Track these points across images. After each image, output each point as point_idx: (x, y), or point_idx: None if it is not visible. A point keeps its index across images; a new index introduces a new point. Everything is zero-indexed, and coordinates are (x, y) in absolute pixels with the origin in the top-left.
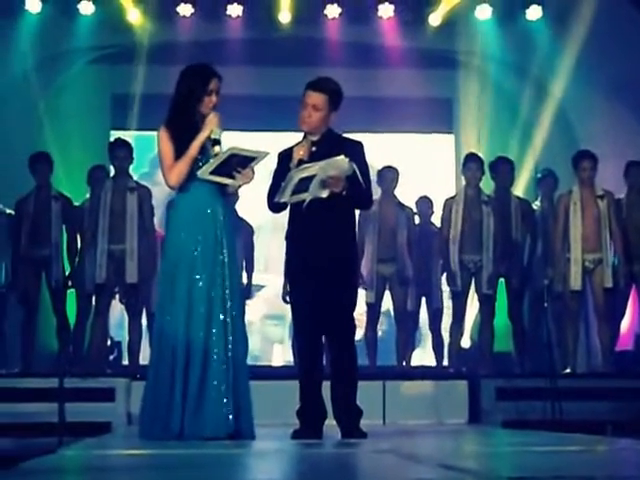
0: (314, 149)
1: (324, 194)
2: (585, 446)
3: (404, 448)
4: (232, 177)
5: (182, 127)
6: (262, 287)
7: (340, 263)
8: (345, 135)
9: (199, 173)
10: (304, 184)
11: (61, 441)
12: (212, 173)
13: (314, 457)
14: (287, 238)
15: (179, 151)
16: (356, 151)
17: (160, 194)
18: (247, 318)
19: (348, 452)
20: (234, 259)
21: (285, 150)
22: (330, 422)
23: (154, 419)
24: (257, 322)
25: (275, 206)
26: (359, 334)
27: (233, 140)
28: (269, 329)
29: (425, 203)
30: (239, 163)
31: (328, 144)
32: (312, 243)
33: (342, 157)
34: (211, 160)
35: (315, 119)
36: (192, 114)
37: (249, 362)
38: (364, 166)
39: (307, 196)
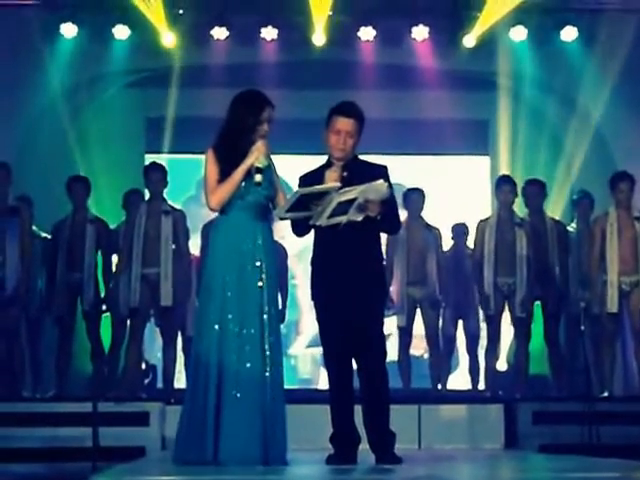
0: (345, 174)
1: (360, 217)
2: (623, 472)
3: (440, 475)
4: (310, 210)
5: (230, 152)
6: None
7: (368, 286)
8: (366, 158)
9: (275, 215)
10: (341, 207)
11: (94, 466)
12: (288, 211)
13: None
14: (313, 263)
15: (224, 175)
16: (382, 174)
17: (207, 216)
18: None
19: (383, 479)
20: (273, 284)
21: (307, 174)
22: (364, 447)
23: (189, 443)
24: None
25: (301, 229)
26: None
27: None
28: (316, 352)
29: (461, 228)
30: (314, 198)
31: (357, 169)
32: (339, 266)
33: (381, 181)
34: (282, 203)
35: (349, 145)
36: (242, 141)
37: (298, 386)
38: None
39: (343, 219)
